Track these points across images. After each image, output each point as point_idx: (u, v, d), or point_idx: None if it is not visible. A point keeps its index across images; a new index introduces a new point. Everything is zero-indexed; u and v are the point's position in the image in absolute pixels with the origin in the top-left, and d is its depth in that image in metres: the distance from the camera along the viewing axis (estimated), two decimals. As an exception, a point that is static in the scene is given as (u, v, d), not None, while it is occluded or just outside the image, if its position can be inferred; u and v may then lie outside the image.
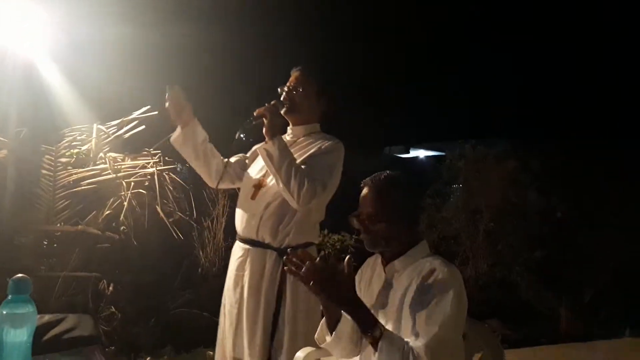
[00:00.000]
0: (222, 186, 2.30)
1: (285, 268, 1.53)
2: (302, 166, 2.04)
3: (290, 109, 2.15)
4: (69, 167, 3.65)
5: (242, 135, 2.08)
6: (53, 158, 3.63)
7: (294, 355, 1.96)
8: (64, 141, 3.73)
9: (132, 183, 3.62)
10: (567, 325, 4.58)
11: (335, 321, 1.58)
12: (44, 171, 3.61)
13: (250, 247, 2.12)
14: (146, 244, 3.71)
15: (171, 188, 3.70)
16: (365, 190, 1.64)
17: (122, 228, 3.58)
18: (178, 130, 2.20)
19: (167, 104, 2.15)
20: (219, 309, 2.27)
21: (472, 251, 5.02)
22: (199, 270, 3.95)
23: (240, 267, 2.13)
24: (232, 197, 3.85)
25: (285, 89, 2.18)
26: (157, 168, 3.66)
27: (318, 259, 1.49)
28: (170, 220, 3.69)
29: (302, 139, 2.20)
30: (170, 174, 3.76)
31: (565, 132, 5.71)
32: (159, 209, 3.60)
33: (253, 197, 2.12)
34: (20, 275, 1.27)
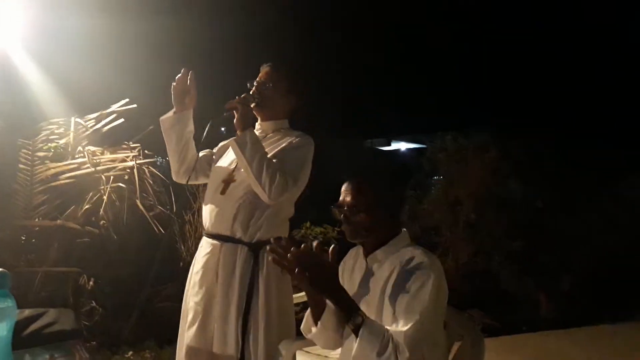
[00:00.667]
0: (187, 181, 2.28)
1: (270, 258, 1.52)
2: (274, 160, 2.03)
3: (260, 104, 2.14)
4: (47, 161, 3.59)
5: (210, 128, 2.07)
6: (30, 152, 3.58)
7: (270, 349, 1.97)
8: (42, 135, 3.67)
9: (112, 177, 3.59)
10: (547, 313, 4.67)
11: (321, 311, 1.58)
12: (21, 165, 3.55)
13: (220, 243, 2.09)
14: (126, 238, 3.68)
15: (151, 182, 3.67)
16: (346, 182, 1.65)
17: (101, 222, 3.54)
18: (172, 112, 2.18)
19: (174, 83, 2.14)
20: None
21: (452, 242, 5.07)
22: (180, 264, 3.92)
23: (209, 263, 2.10)
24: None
25: (255, 83, 2.17)
26: (137, 161, 3.62)
27: (303, 245, 1.49)
28: (151, 214, 3.66)
29: (271, 134, 2.20)
30: (150, 167, 3.72)
31: (543, 121, 5.80)
32: (138, 203, 3.57)
33: (223, 192, 2.10)
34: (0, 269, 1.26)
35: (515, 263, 4.86)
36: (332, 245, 1.52)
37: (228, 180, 2.12)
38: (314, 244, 1.49)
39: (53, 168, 3.58)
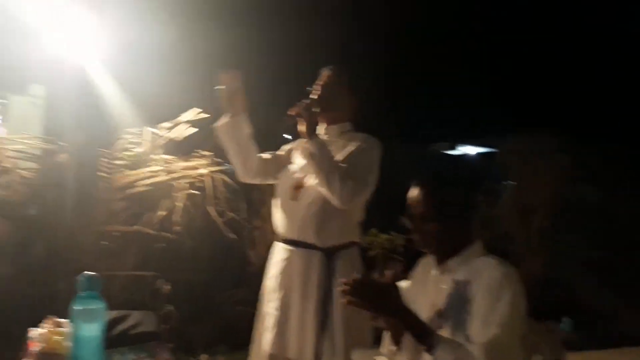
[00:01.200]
0: (254, 181, 2.30)
1: (344, 301, 1.52)
2: (342, 165, 2.02)
3: (323, 109, 2.12)
4: (125, 170, 3.78)
5: (284, 135, 2.09)
6: (109, 161, 3.77)
7: (348, 356, 1.96)
8: (119, 144, 3.87)
9: (185, 184, 3.73)
10: (628, 328, 4.40)
11: (399, 333, 1.55)
12: (100, 173, 3.75)
13: (294, 248, 2.10)
14: (199, 244, 3.80)
15: (222, 189, 3.78)
16: (415, 189, 1.61)
17: (176, 228, 3.68)
18: (226, 117, 2.17)
19: (219, 87, 2.13)
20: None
21: (525, 250, 4.89)
22: (250, 269, 4.01)
23: (285, 269, 2.11)
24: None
25: (317, 88, 2.16)
26: (209, 169, 3.74)
27: (359, 275, 1.49)
28: (222, 220, 3.77)
29: (336, 138, 2.18)
30: (221, 174, 3.84)
31: (623, 125, 5.50)
32: (210, 209, 3.68)
33: (293, 198, 2.11)
34: (90, 272, 1.33)
35: (593, 273, 4.62)
36: (392, 271, 1.51)
37: (298, 186, 2.12)
38: (389, 272, 1.48)
39: (130, 176, 3.76)
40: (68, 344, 1.35)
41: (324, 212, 2.06)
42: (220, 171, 3.82)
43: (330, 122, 2.20)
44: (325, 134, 2.20)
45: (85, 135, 3.79)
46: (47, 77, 4.64)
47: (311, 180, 2.08)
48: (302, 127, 2.05)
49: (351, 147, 2.11)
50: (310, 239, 2.07)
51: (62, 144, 3.69)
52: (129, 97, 4.33)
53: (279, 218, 2.19)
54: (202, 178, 3.72)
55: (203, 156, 3.85)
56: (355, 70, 2.26)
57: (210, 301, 3.87)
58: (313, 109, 2.08)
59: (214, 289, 3.93)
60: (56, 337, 1.40)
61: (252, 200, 4.00)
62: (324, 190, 2.01)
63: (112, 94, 4.33)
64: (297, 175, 2.16)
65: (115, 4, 4.11)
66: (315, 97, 2.13)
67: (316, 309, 2.04)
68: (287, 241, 2.14)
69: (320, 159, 1.99)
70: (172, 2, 4.52)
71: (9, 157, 3.59)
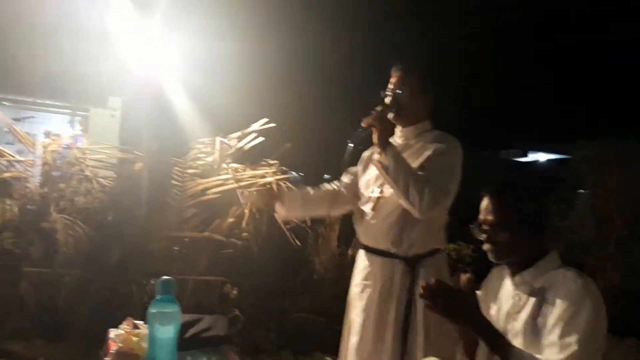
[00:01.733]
0: (340, 212, 2.35)
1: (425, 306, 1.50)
2: (420, 172, 1.97)
3: (398, 112, 2.08)
4: (196, 178, 3.92)
5: (351, 146, 2.07)
6: (181, 169, 3.93)
7: None
8: (191, 154, 4.02)
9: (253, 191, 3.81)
10: None
11: (474, 344, 1.53)
12: (173, 182, 3.91)
13: (376, 257, 2.09)
14: (265, 250, 3.88)
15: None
16: (486, 198, 1.56)
17: (243, 234, 3.77)
18: (278, 206, 2.29)
19: (249, 203, 2.31)
20: (335, 315, 2.29)
21: (602, 261, 4.64)
22: (314, 276, 4.05)
23: (367, 277, 2.11)
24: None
25: (389, 92, 2.10)
26: (275, 177, 3.81)
27: (434, 281, 1.46)
28: (287, 227, 3.83)
29: (414, 140, 2.12)
30: (287, 182, 3.90)
31: None
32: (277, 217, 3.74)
33: (373, 207, 2.10)
34: (166, 277, 1.39)
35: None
36: (467, 275, 1.47)
37: (377, 196, 2.10)
38: (464, 278, 1.45)
39: (201, 184, 3.90)
40: (145, 345, 1.41)
41: (403, 221, 2.03)
42: (286, 179, 3.88)
43: (407, 124, 2.14)
44: (402, 136, 2.15)
45: (159, 145, 3.96)
46: (124, 90, 4.92)
47: (390, 190, 2.03)
48: (375, 138, 2.00)
49: (429, 152, 2.04)
50: (391, 247, 2.05)
51: (137, 153, 3.88)
52: (200, 108, 4.51)
53: (360, 225, 2.18)
54: (269, 186, 3.79)
55: (270, 164, 3.93)
56: (426, 65, 2.21)
57: (275, 307, 3.93)
58: (387, 115, 2.04)
59: (279, 295, 3.99)
60: (134, 338, 1.47)
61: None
62: (402, 202, 1.97)
63: (185, 106, 4.53)
64: (375, 185, 2.14)
65: (188, 20, 4.30)
66: (388, 102, 2.08)
67: (397, 319, 2.02)
68: (369, 249, 2.13)
69: (396, 173, 1.93)
70: (243, 17, 4.66)
71: (89, 166, 3.82)
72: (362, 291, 2.12)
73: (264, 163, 3.97)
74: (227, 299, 3.66)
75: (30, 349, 3.27)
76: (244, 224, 3.77)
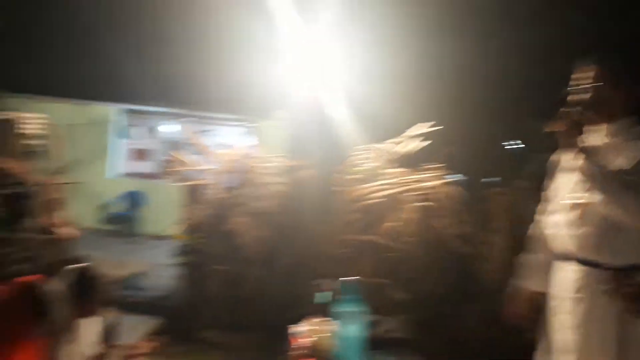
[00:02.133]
0: None
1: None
2: (629, 177, 1.80)
3: (593, 112, 1.93)
4: (357, 183, 4.04)
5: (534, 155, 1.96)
6: (342, 176, 4.07)
7: None
8: (351, 160, 4.15)
9: (415, 196, 3.81)
10: None
11: None
12: (337, 188, 4.06)
13: (582, 267, 1.94)
14: (429, 255, 3.84)
15: (452, 201, 3.76)
16: None
17: (407, 239, 3.78)
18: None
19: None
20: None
21: None
22: (482, 285, 3.90)
23: (575, 289, 1.96)
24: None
25: (579, 90, 1.96)
26: (439, 181, 3.77)
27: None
28: (450, 232, 3.76)
29: (613, 140, 1.95)
30: (450, 186, 3.83)
31: None
32: (440, 221, 3.70)
33: (580, 216, 1.95)
34: (350, 278, 1.46)
35: None
36: None
37: (581, 203, 1.95)
38: None
39: (363, 189, 4.00)
40: (334, 342, 1.50)
41: (614, 229, 1.87)
42: (451, 183, 3.82)
43: (603, 122, 1.98)
44: (598, 136, 1.99)
45: (322, 153, 4.16)
46: (289, 103, 5.26)
47: (595, 197, 1.89)
48: (571, 142, 1.89)
49: (636, 152, 1.87)
50: (600, 258, 1.91)
51: (304, 162, 4.11)
52: (360, 116, 4.64)
53: (560, 235, 2.04)
54: (432, 190, 3.76)
55: (433, 168, 3.89)
56: (613, 55, 2.04)
57: (439, 313, 3.86)
58: (580, 116, 1.91)
59: (443, 301, 3.92)
60: (325, 335, 1.57)
61: (484, 213, 3.90)
62: (613, 209, 1.83)
63: (345, 115, 4.70)
64: (576, 190, 1.99)
65: (352, 30, 4.44)
66: (585, 100, 1.94)
67: (609, 331, 1.87)
68: (573, 259, 1.99)
69: (603, 183, 1.82)
70: (404, 25, 4.69)
71: (263, 174, 4.14)
72: (562, 302, 1.98)
73: (427, 166, 3.94)
74: (393, 302, 3.69)
75: (220, 338, 3.63)
76: (407, 228, 3.77)
